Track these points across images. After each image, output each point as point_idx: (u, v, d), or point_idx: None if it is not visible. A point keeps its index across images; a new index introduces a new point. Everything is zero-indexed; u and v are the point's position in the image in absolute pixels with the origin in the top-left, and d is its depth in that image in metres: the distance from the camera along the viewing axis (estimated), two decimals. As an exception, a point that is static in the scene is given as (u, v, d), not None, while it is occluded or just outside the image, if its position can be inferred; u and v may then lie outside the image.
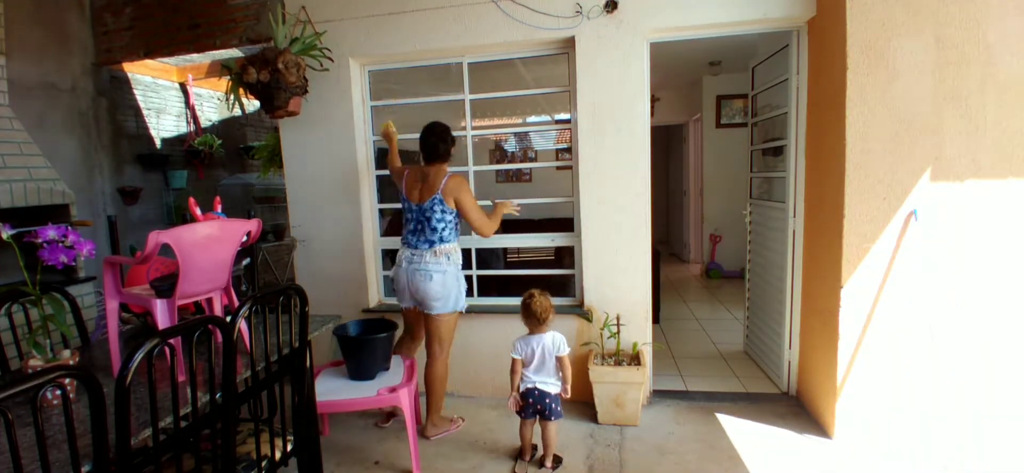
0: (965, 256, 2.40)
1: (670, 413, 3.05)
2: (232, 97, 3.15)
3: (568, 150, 3.40)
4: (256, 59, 2.95)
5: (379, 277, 3.60)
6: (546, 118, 5.67)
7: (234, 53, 4.02)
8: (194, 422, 1.48)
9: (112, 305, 1.78)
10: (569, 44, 3.08)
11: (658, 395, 3.26)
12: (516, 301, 3.30)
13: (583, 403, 3.08)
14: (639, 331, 3.13)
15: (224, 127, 5.45)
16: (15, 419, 1.01)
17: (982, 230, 2.37)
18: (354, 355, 2.65)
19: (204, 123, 5.19)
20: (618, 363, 2.96)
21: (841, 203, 2.52)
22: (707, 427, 2.87)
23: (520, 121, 5.68)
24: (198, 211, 1.97)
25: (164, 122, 4.80)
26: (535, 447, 2.62)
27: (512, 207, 2.93)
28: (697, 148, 7.01)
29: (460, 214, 2.74)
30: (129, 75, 4.43)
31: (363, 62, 3.38)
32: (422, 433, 2.89)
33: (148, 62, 4.40)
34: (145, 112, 4.60)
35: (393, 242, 3.57)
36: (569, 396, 2.53)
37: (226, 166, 5.42)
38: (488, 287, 3.60)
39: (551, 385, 2.48)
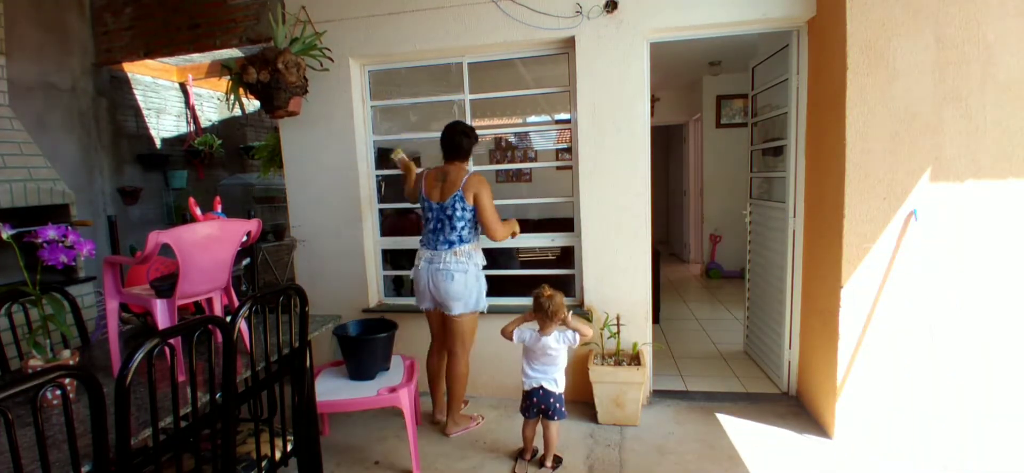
0: (965, 256, 2.40)
1: (670, 413, 3.05)
2: (232, 97, 3.15)
3: (568, 150, 3.40)
4: (256, 59, 2.95)
5: (379, 277, 3.60)
6: (546, 118, 5.67)
7: (234, 53, 4.02)
8: (194, 422, 1.47)
9: (112, 305, 1.77)
10: (569, 44, 3.08)
11: (658, 395, 3.26)
12: (516, 301, 3.33)
13: (583, 403, 3.08)
14: (639, 331, 3.13)
15: (224, 127, 5.45)
16: (15, 419, 1.01)
17: (982, 230, 2.37)
18: (354, 355, 2.65)
19: (204, 123, 5.19)
20: (618, 363, 2.96)
21: (841, 203, 2.52)
22: (707, 427, 2.87)
23: (520, 121, 5.68)
24: (198, 211, 1.96)
25: (164, 122, 4.80)
26: (536, 447, 2.63)
27: (515, 230, 2.94)
28: (697, 148, 7.01)
29: (476, 211, 2.74)
30: (129, 75, 4.43)
31: (363, 62, 3.38)
32: (442, 431, 2.91)
33: (148, 62, 4.40)
34: (145, 112, 4.60)
35: (393, 242, 3.58)
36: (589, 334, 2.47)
37: (226, 166, 5.42)
38: (488, 288, 3.58)
39: (555, 385, 2.50)
